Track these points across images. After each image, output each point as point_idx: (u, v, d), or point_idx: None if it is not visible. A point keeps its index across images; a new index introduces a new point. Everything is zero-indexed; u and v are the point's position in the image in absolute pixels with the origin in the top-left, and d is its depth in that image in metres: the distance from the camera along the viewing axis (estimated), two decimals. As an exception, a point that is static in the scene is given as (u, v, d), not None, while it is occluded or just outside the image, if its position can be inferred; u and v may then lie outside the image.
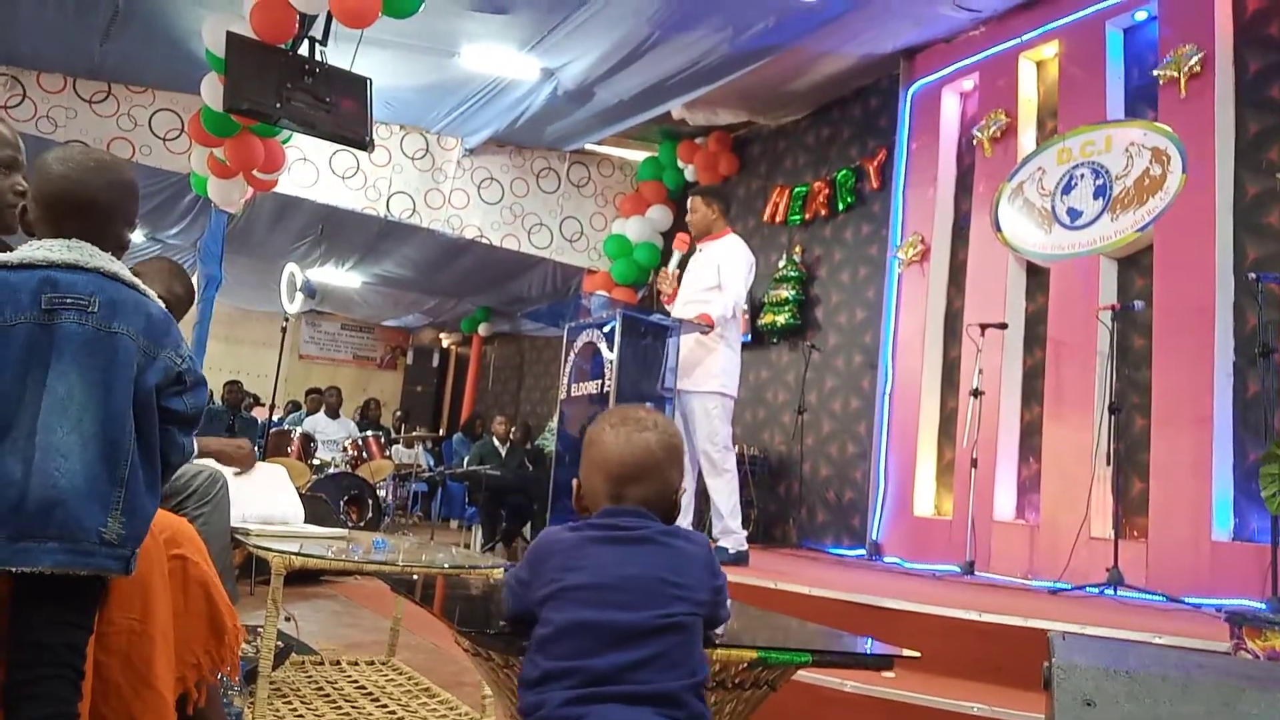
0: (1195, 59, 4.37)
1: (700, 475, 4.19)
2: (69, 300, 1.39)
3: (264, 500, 3.02)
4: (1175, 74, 4.46)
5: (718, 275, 4.14)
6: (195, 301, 4.97)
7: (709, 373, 4.12)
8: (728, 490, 4.11)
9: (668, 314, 4.25)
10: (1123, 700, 1.13)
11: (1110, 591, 3.82)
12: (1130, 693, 1.13)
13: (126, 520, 1.37)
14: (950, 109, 5.91)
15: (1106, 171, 4.73)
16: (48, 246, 1.43)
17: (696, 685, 1.19)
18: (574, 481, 1.39)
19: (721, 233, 4.32)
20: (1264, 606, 3.40)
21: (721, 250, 4.24)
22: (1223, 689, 1.12)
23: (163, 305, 1.50)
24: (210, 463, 2.70)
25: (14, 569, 1.30)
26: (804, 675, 2.52)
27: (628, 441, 1.33)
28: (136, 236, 7.79)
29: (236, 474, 2.68)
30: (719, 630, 1.35)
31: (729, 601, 1.35)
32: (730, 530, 4.11)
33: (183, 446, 1.49)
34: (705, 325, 4.01)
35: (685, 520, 4.13)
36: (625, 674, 1.14)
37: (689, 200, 4.39)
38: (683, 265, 4.42)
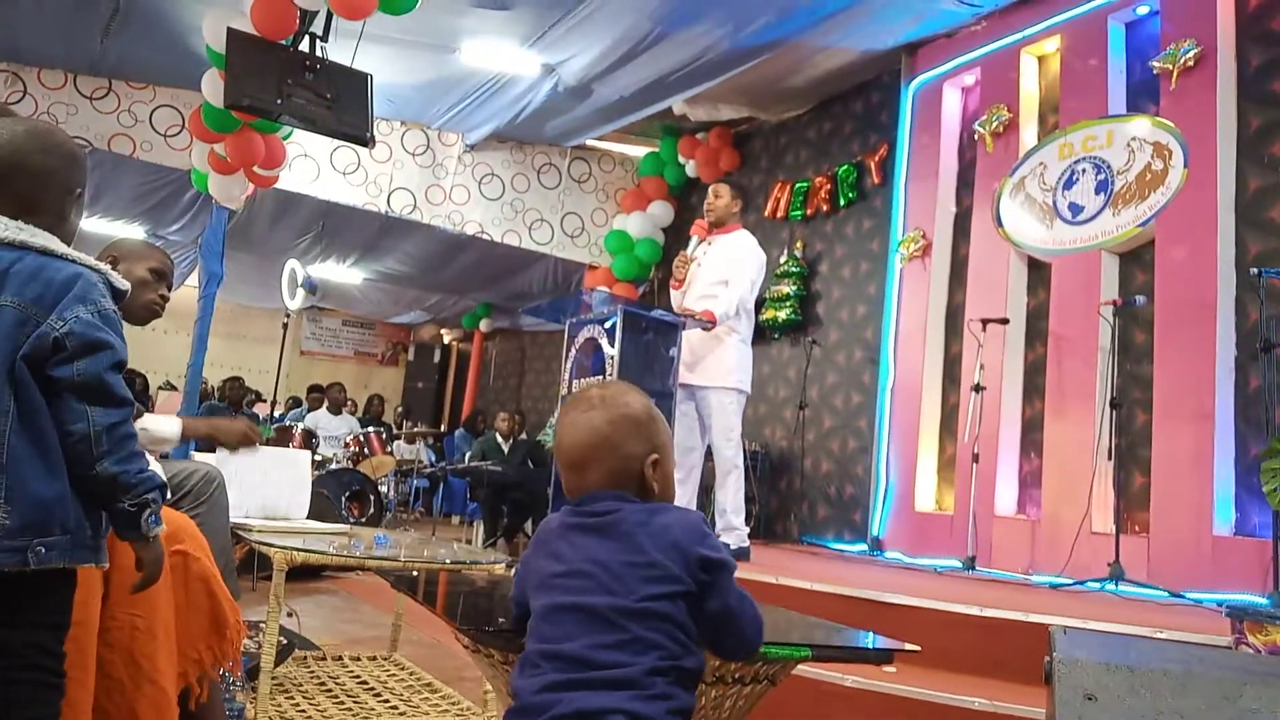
0: (1190, 54, 4.37)
1: (700, 468, 4.22)
2: None
3: (271, 488, 3.01)
4: (1173, 68, 4.45)
5: (729, 271, 4.15)
6: (197, 298, 4.98)
7: (726, 368, 4.13)
8: (735, 485, 4.13)
9: (670, 304, 4.26)
10: (1124, 695, 1.13)
11: (1111, 586, 3.82)
12: (1131, 687, 1.13)
13: (13, 509, 1.25)
14: (952, 104, 5.90)
15: (1108, 166, 4.72)
16: None
17: (675, 669, 1.14)
18: None
19: (735, 226, 4.33)
20: (1265, 601, 3.40)
21: (734, 245, 4.25)
22: (1224, 683, 1.12)
23: (97, 270, 1.39)
24: (207, 460, 2.69)
25: None
26: (804, 670, 2.53)
27: (571, 427, 1.30)
28: (138, 233, 7.78)
29: (231, 453, 2.54)
30: (725, 604, 1.20)
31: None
32: (733, 526, 4.12)
33: (85, 414, 1.31)
34: (707, 322, 4.02)
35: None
36: (597, 655, 1.12)
37: (714, 186, 4.40)
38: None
